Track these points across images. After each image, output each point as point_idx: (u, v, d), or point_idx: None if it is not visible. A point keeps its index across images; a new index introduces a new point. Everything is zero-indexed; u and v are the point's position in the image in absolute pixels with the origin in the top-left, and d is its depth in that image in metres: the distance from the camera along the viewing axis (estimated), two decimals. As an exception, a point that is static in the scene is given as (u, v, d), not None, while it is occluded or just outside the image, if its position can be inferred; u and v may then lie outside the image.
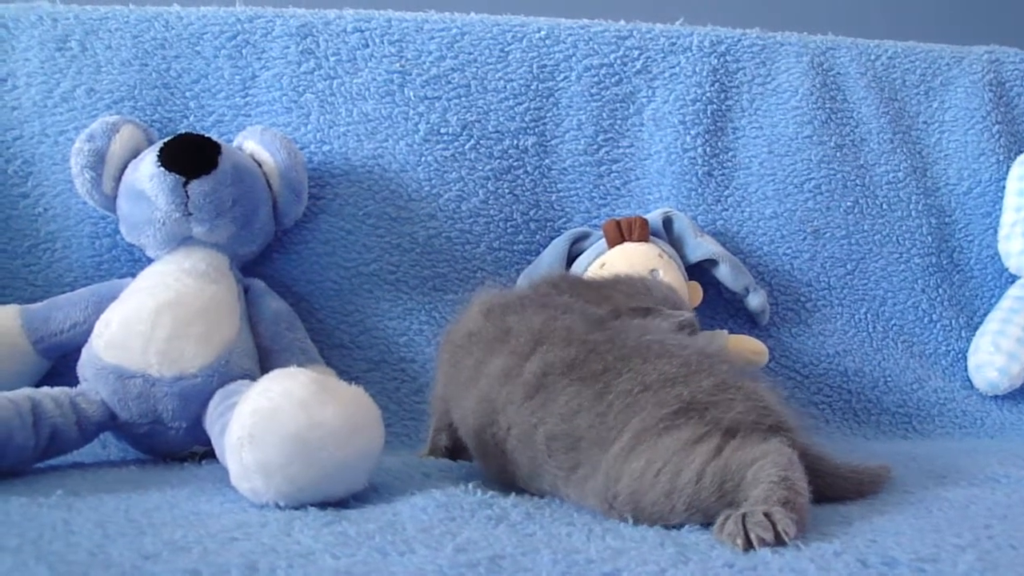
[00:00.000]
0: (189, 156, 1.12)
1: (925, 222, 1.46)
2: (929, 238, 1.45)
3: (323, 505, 0.80)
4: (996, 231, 1.45)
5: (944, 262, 1.45)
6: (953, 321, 1.42)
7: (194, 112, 1.32)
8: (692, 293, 1.26)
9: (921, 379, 1.37)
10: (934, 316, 1.42)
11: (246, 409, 0.82)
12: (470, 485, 0.85)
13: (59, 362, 1.17)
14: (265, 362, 1.15)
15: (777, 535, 0.64)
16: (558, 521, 0.75)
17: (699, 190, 1.40)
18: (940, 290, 1.43)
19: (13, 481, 0.89)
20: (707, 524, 0.71)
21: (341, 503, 0.82)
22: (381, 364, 1.28)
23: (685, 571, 0.59)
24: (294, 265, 1.30)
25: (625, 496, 0.74)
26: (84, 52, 1.31)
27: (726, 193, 1.41)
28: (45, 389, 1.01)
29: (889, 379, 1.36)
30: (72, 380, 1.07)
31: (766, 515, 0.65)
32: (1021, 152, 1.46)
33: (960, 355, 1.40)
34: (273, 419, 0.80)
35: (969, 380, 1.37)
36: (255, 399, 0.82)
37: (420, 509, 0.78)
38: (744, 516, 0.66)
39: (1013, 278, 1.43)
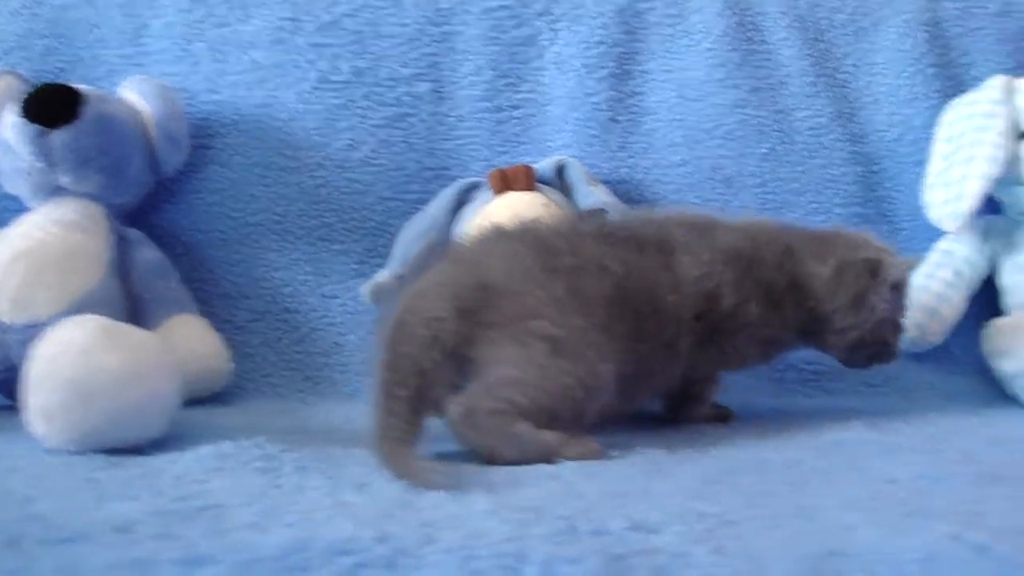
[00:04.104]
0: (50, 106, 1.12)
1: (850, 170, 1.38)
2: (854, 187, 1.38)
3: (114, 451, 0.80)
4: (927, 180, 1.37)
5: (870, 212, 1.38)
6: (877, 274, 1.35)
7: (85, 62, 1.32)
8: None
9: (837, 335, 1.31)
10: (857, 269, 1.35)
11: (34, 355, 0.83)
12: (261, 439, 0.83)
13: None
14: (137, 311, 1.15)
15: None
16: (324, 475, 0.73)
17: (603, 136, 1.35)
18: (865, 241, 1.37)
19: None
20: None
21: (137, 450, 0.81)
22: (265, 314, 1.27)
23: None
24: (183, 215, 1.30)
25: None
26: (-29, 1, 1.32)
27: (632, 140, 1.36)
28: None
29: (802, 335, 1.31)
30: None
31: None
32: (957, 96, 1.38)
33: (880, 309, 1.34)
34: (53, 365, 0.81)
35: (888, 336, 1.31)
36: (41, 346, 0.84)
37: (195, 459, 0.78)
38: None
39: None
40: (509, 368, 0.80)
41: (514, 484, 0.69)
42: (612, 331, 0.86)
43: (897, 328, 1.05)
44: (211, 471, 0.74)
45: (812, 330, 1.03)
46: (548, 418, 0.79)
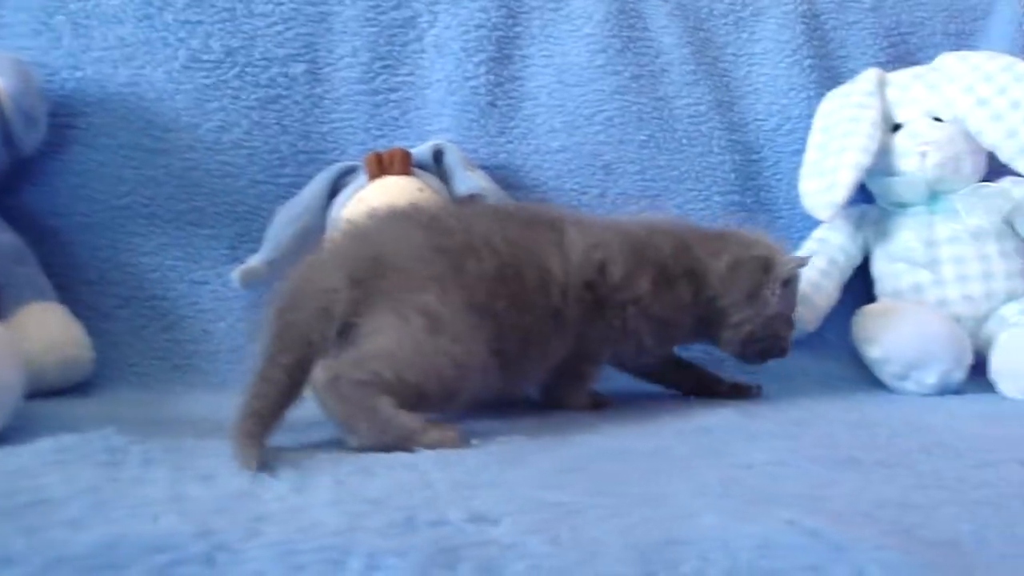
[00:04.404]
0: None
1: (729, 158, 1.40)
2: (732, 175, 1.40)
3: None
4: (805, 169, 1.39)
5: (749, 201, 1.40)
6: (755, 261, 1.37)
7: (-64, 33, 1.25)
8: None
9: (714, 323, 1.32)
10: (735, 256, 1.36)
11: None
12: (109, 430, 0.79)
13: None
14: (-8, 296, 1.10)
15: None
16: (170, 466, 0.70)
17: (481, 121, 1.34)
18: (743, 229, 1.38)
19: None
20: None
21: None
22: (131, 301, 1.22)
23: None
24: (44, 197, 1.23)
25: None
26: None
27: (511, 125, 1.35)
28: None
29: (681, 323, 1.31)
30: None
31: None
32: (833, 88, 1.40)
33: (758, 296, 1.35)
34: None
35: (764, 323, 1.32)
36: None
37: (33, 453, 0.74)
38: None
39: (822, 219, 1.38)
40: (385, 340, 0.79)
41: (366, 473, 0.67)
42: (495, 310, 0.87)
43: (788, 323, 1.10)
44: (48, 465, 0.70)
45: (710, 323, 1.06)
46: (417, 396, 0.78)
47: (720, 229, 1.11)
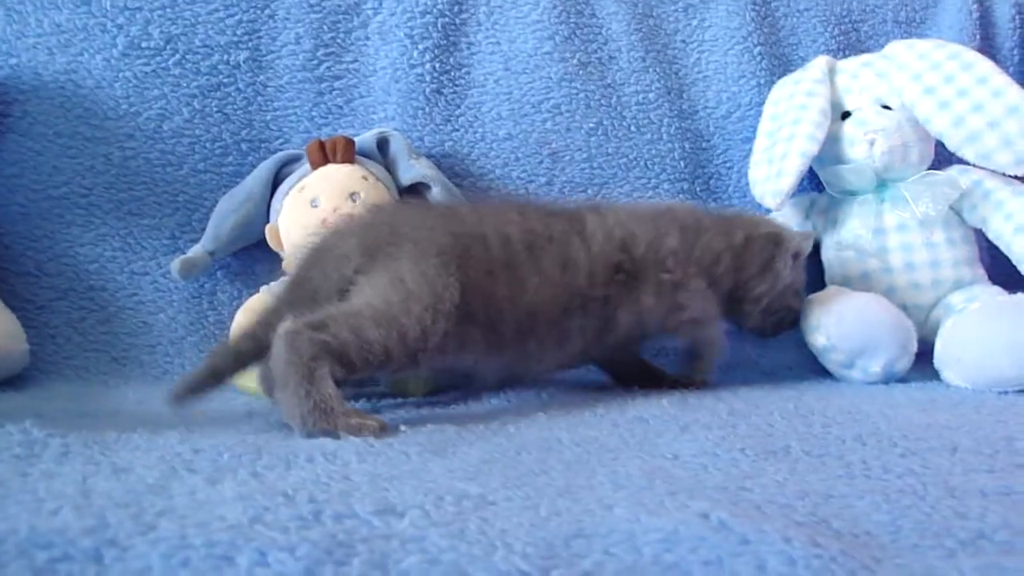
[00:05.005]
0: None
1: (678, 146, 1.39)
2: (682, 163, 1.39)
3: None
4: (755, 157, 1.38)
5: (698, 188, 1.40)
6: (705, 250, 1.36)
7: None
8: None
9: (661, 312, 1.31)
10: (684, 244, 1.36)
11: None
12: (28, 423, 0.78)
13: None
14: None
15: None
16: (86, 460, 0.69)
17: (427, 109, 1.32)
18: (692, 217, 1.37)
19: None
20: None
21: None
22: (69, 293, 1.20)
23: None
24: (-22, 188, 1.21)
25: None
26: None
27: (457, 112, 1.33)
28: None
29: (628, 312, 1.30)
30: None
31: None
32: (783, 75, 1.40)
33: (709, 286, 1.34)
34: None
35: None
36: None
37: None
38: None
39: (772, 206, 1.37)
40: (359, 300, 0.83)
41: (285, 466, 0.66)
42: (493, 295, 0.89)
43: (798, 295, 1.16)
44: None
45: (733, 298, 1.11)
46: (382, 352, 0.81)
47: (729, 212, 1.18)
